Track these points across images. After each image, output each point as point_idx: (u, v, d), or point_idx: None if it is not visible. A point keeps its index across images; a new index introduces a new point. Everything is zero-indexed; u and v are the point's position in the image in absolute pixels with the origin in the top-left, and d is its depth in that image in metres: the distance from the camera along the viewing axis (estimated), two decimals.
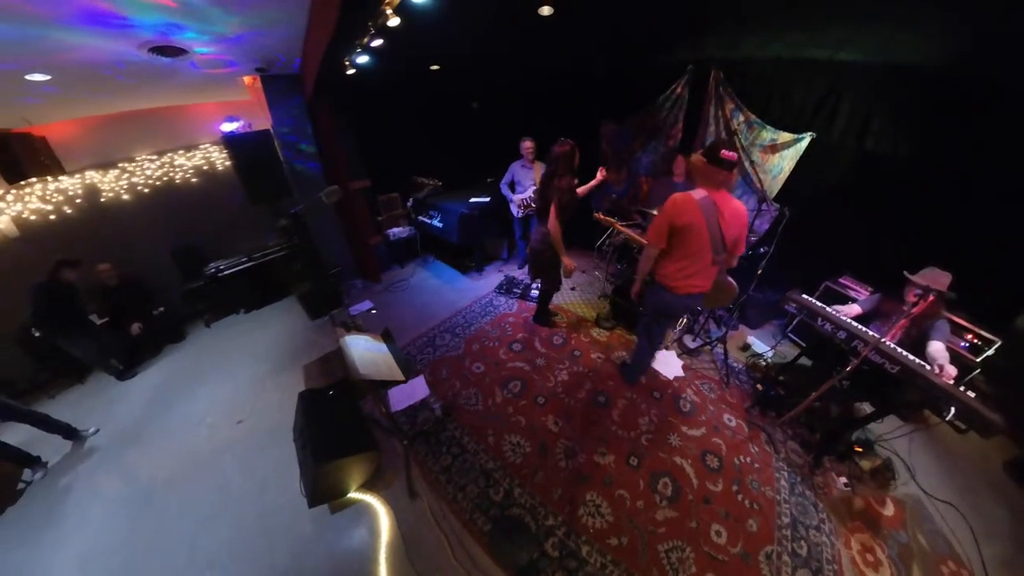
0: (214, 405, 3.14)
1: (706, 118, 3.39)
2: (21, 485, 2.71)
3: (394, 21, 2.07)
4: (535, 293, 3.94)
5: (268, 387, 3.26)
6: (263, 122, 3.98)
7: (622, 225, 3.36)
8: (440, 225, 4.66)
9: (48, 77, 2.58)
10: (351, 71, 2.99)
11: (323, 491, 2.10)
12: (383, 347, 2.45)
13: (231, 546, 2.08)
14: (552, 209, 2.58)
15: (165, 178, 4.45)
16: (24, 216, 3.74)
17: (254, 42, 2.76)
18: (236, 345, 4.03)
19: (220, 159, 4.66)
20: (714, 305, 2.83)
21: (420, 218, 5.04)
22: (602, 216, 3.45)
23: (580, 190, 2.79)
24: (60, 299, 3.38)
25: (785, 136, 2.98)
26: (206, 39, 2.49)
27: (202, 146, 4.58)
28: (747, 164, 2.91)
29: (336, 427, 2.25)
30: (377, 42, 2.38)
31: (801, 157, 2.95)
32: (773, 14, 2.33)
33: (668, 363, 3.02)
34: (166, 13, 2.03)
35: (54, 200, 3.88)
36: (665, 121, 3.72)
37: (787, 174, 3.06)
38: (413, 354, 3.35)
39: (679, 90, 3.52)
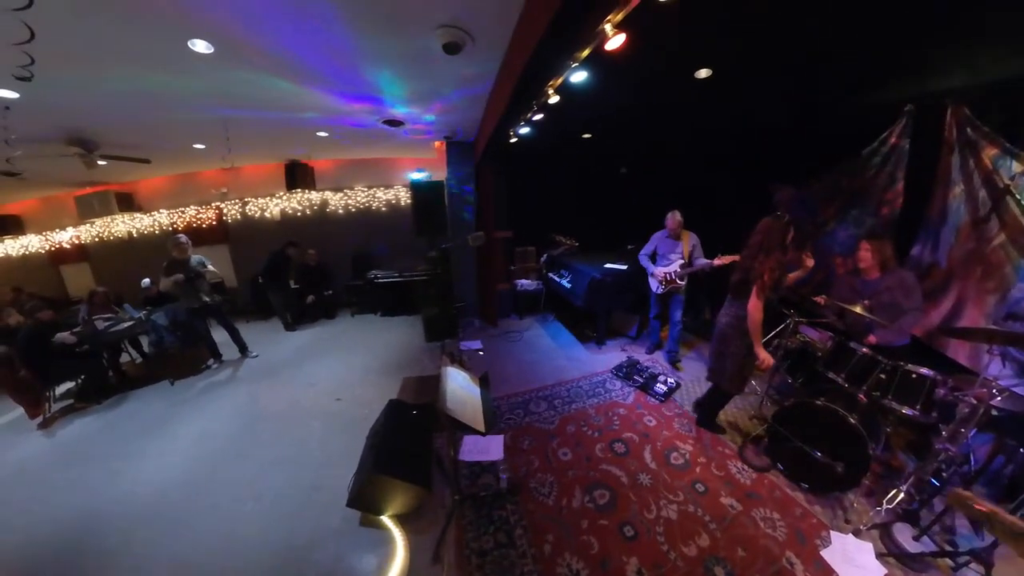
0: (328, 376, 4.13)
1: (945, 174, 2.59)
2: (203, 366, 4.50)
3: (554, 99, 2.47)
4: (660, 388, 3.45)
5: (370, 382, 3.94)
6: (440, 175, 5.47)
7: (801, 320, 2.67)
8: (568, 286, 4.75)
9: (327, 134, 4.65)
10: (513, 139, 3.70)
11: (364, 498, 2.20)
12: (477, 391, 2.52)
13: (278, 491, 2.51)
14: (755, 288, 2.35)
15: (366, 204, 6.71)
16: (285, 210, 6.60)
17: (447, 117, 4.07)
18: (364, 338, 5.31)
19: (404, 197, 6.65)
20: None
21: (550, 275, 5.30)
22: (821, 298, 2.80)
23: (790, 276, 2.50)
24: (279, 264, 5.57)
25: None
26: (417, 112, 3.83)
27: (395, 186, 6.73)
28: None
29: (404, 446, 2.39)
30: (538, 116, 2.89)
31: None
32: None
33: (855, 560, 2.04)
34: (403, 92, 3.28)
35: (303, 204, 6.62)
36: (874, 183, 2.99)
37: None
38: (502, 410, 3.31)
39: (894, 140, 2.84)
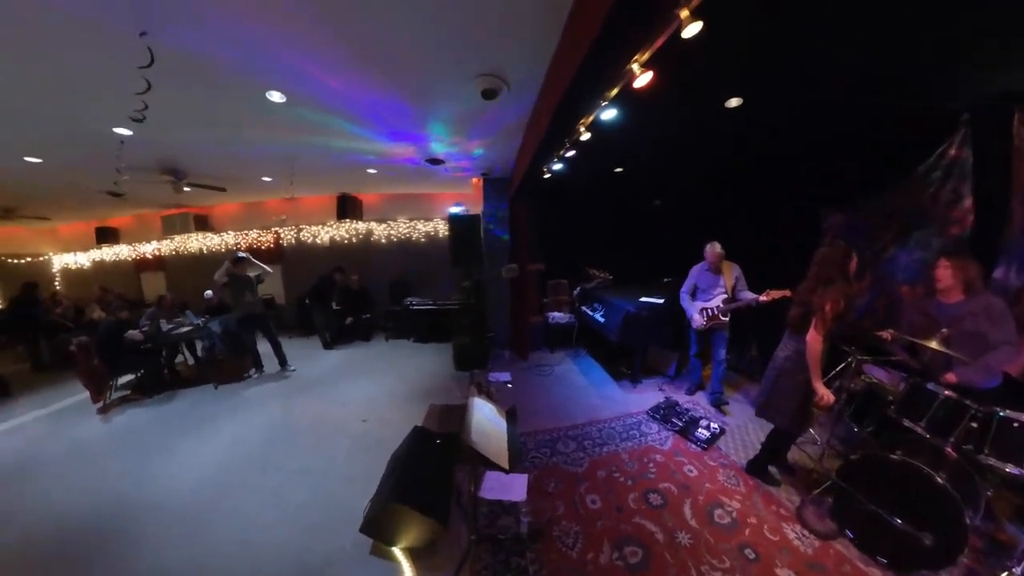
0: (359, 396, 4.23)
1: (1021, 186, 2.33)
2: (246, 375, 4.83)
3: (586, 136, 2.59)
4: (702, 433, 3.17)
5: (397, 406, 3.97)
6: (477, 209, 5.78)
7: (865, 358, 2.39)
8: (602, 320, 4.63)
9: (376, 171, 5.15)
10: (547, 175, 3.84)
11: (378, 525, 2.12)
12: (503, 425, 2.46)
13: (299, 506, 2.54)
14: (815, 320, 2.23)
15: (407, 235, 7.18)
16: (334, 237, 7.30)
17: (485, 154, 4.34)
18: (396, 362, 5.45)
19: (442, 229, 7.04)
20: None
21: (583, 308, 5.20)
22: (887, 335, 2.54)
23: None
24: (326, 288, 6.04)
25: None
26: (455, 150, 4.24)
27: (434, 219, 7.18)
28: None
29: (425, 476, 2.31)
30: (570, 153, 3.02)
31: None
32: None
33: None
34: (446, 131, 3.62)
35: (350, 233, 7.28)
36: (937, 200, 2.74)
37: None
38: (528, 448, 3.16)
39: (953, 152, 2.61)
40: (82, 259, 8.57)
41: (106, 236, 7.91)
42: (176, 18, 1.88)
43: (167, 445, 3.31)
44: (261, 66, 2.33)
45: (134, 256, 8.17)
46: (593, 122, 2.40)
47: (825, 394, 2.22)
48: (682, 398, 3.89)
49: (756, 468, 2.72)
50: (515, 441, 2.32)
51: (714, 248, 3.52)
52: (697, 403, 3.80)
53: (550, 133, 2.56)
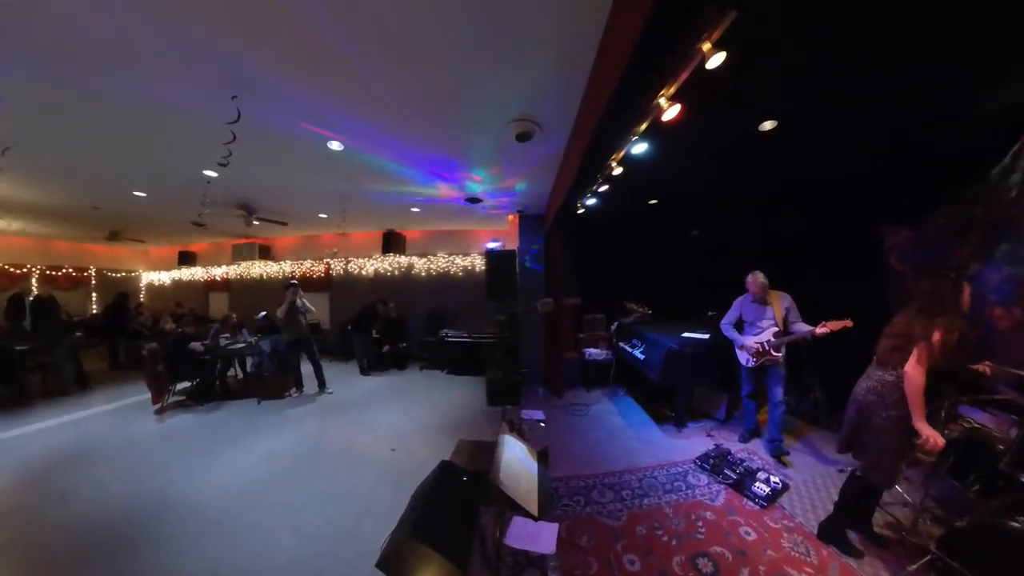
0: (389, 424, 4.24)
1: None
2: (287, 393, 5.08)
3: (618, 171, 2.63)
4: (761, 488, 2.77)
5: (425, 438, 3.91)
6: (513, 245, 5.96)
7: (961, 398, 2.03)
8: (642, 357, 4.38)
9: (419, 210, 5.56)
10: (580, 210, 3.91)
11: (394, 563, 1.98)
12: (534, 466, 2.33)
13: (318, 529, 2.51)
14: (918, 348, 1.98)
15: (445, 268, 7.50)
16: (378, 270, 7.81)
17: (521, 194, 4.60)
18: (429, 393, 5.43)
19: (479, 264, 7.29)
20: None
21: (621, 344, 4.98)
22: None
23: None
24: (368, 316, 6.35)
25: None
26: (492, 189, 4.46)
27: (472, 254, 7.47)
28: None
29: (449, 516, 2.18)
30: (603, 188, 3.08)
31: None
32: None
33: None
34: (484, 172, 3.86)
35: (393, 266, 7.76)
36: (1020, 205, 2.39)
37: None
38: (560, 494, 2.94)
39: None
40: (164, 277, 10.21)
41: (186, 259, 9.38)
42: (255, 89, 2.29)
43: (209, 450, 3.52)
44: (324, 120, 2.69)
45: (206, 277, 9.53)
46: (624, 156, 2.42)
47: (932, 435, 1.89)
48: (735, 446, 3.49)
49: (831, 533, 2.31)
50: (546, 486, 2.16)
51: (756, 278, 3.28)
52: (753, 452, 3.39)
53: (583, 169, 2.62)
